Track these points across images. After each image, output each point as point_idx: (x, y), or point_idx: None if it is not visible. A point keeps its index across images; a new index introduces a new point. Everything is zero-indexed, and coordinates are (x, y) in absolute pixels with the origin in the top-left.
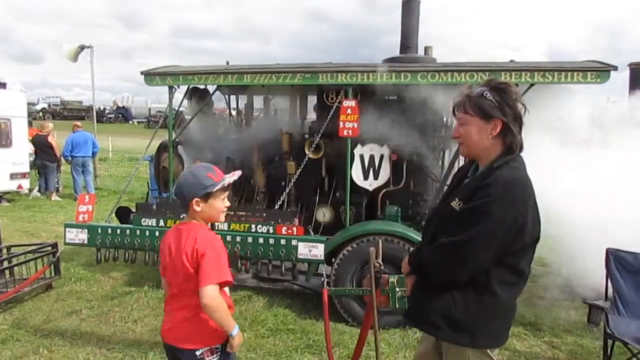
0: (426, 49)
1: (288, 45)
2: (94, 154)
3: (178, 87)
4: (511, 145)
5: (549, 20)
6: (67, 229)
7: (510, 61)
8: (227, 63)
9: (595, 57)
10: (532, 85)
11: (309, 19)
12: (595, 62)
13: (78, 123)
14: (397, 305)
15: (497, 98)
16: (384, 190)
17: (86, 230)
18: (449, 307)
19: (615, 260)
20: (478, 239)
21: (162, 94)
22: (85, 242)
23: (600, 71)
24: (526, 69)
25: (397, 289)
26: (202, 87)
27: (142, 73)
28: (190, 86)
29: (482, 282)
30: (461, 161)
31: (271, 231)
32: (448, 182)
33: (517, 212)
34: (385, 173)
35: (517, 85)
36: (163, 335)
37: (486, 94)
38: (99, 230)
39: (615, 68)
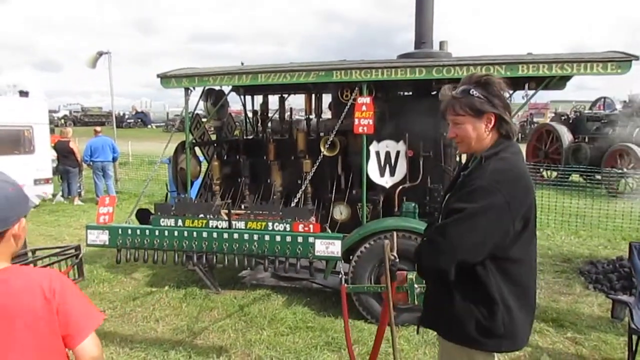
0: (441, 43)
1: (303, 47)
2: (114, 159)
3: (194, 88)
4: (507, 134)
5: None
6: (89, 231)
7: (528, 54)
8: (242, 64)
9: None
10: (552, 77)
11: (323, 20)
12: (615, 52)
13: (97, 128)
14: (416, 302)
15: (484, 92)
16: (400, 187)
17: (107, 232)
18: (436, 300)
19: None
20: (461, 221)
21: (179, 98)
22: (107, 243)
23: (621, 61)
24: (544, 61)
25: (416, 286)
26: (217, 88)
27: (158, 76)
28: (206, 87)
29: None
30: None
31: (288, 229)
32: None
33: (503, 198)
34: (401, 170)
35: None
36: None
37: (472, 91)
38: (120, 231)
39: (637, 58)
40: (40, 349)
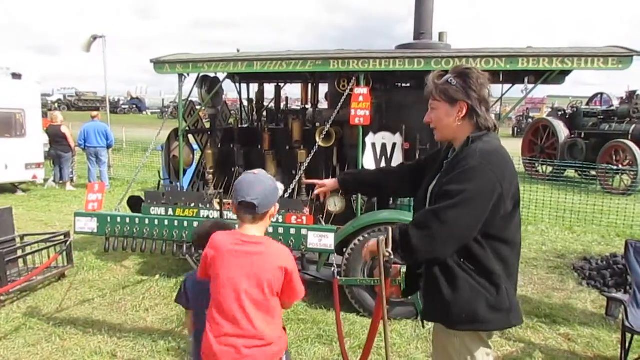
0: (440, 34)
1: (303, 36)
2: (109, 146)
3: (188, 75)
4: (479, 126)
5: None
6: (77, 218)
7: (528, 47)
8: (238, 51)
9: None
10: (552, 72)
11: (324, 9)
12: (617, 47)
13: (94, 113)
14: (409, 296)
15: (461, 82)
16: None
17: (95, 219)
18: (439, 292)
19: (635, 252)
20: (459, 205)
21: (175, 85)
22: (95, 231)
23: (622, 57)
24: (545, 55)
25: None
26: (212, 75)
27: (151, 61)
28: (201, 74)
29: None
30: None
31: (281, 220)
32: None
33: (496, 178)
34: (397, 162)
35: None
36: None
37: (451, 80)
38: (108, 219)
39: (639, 53)
40: (266, 303)
